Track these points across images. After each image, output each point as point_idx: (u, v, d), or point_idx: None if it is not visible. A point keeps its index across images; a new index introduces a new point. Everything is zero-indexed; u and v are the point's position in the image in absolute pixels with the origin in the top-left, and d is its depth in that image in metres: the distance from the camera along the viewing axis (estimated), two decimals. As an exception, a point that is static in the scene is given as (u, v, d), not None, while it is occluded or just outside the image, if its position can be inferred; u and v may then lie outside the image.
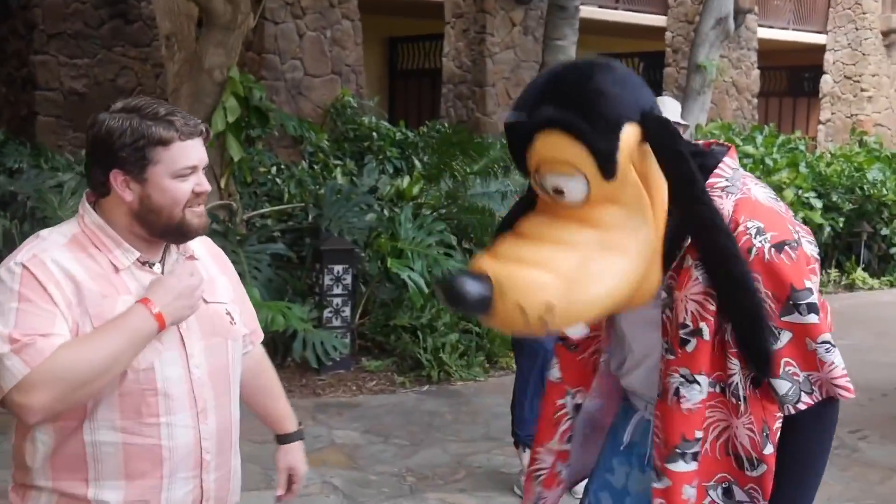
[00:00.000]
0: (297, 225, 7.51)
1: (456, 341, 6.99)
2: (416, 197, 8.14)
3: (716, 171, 1.90)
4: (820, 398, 1.84)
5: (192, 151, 1.94)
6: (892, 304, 10.68)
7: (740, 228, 1.82)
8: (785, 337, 1.82)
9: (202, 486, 2.02)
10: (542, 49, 9.45)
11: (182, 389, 1.96)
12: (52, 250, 1.89)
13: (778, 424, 1.88)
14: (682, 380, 1.87)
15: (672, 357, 1.88)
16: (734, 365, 1.85)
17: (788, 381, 1.82)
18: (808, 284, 1.82)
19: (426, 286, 6.83)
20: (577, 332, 1.88)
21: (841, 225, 11.63)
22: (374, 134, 10.29)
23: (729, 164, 1.92)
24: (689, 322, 1.86)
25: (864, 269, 11.87)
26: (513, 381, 4.87)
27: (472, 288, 1.72)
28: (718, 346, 1.86)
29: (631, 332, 2.06)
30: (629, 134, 1.78)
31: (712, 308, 1.83)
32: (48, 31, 10.81)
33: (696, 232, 1.82)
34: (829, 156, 13.32)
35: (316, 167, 9.23)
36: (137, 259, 1.96)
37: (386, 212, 7.66)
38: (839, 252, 12.08)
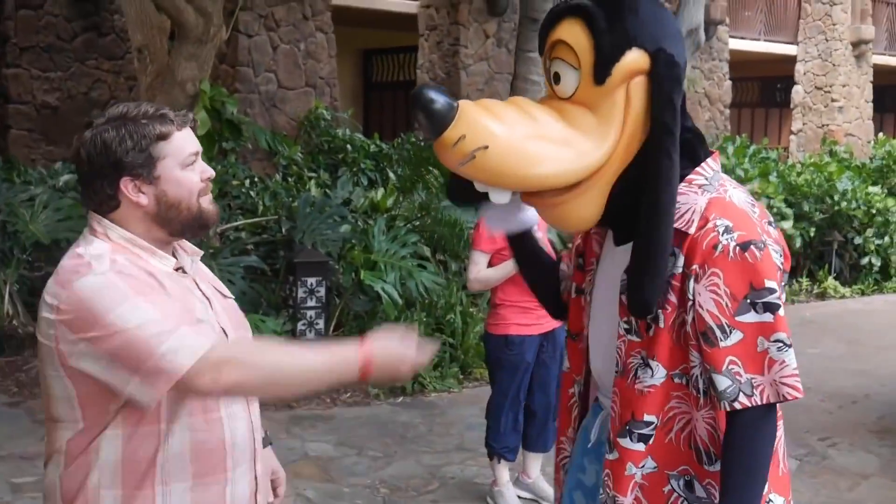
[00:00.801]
0: (270, 237, 7.51)
1: (430, 353, 7.00)
2: (390, 209, 8.16)
3: (697, 168, 1.95)
4: (759, 402, 1.84)
5: (190, 139, 1.97)
6: (863, 313, 10.78)
7: (709, 225, 1.86)
8: (735, 336, 1.84)
9: (256, 477, 2.06)
10: (514, 61, 9.50)
11: None
12: (119, 256, 1.88)
13: None
14: (640, 362, 1.94)
15: (637, 339, 1.95)
16: (695, 357, 1.90)
17: (729, 379, 1.84)
18: (768, 284, 1.84)
19: (400, 298, 6.85)
20: (500, 197, 1.91)
21: (812, 234, 11.74)
22: (349, 146, 10.30)
23: (711, 165, 1.98)
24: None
25: (835, 278, 11.97)
26: (487, 392, 4.88)
27: (442, 99, 1.81)
28: (682, 340, 1.92)
29: (597, 310, 2.12)
30: (637, 58, 1.86)
31: (672, 298, 1.90)
32: (20, 44, 10.78)
33: (649, 183, 1.87)
34: (799, 166, 13.44)
35: (290, 180, 9.24)
36: (173, 266, 1.98)
37: (360, 224, 7.68)
38: (810, 261, 12.19)
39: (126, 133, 1.89)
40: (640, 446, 1.95)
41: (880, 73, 20.34)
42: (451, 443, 5.78)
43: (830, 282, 11.81)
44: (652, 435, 1.95)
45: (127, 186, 1.90)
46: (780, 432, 2.01)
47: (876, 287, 12.19)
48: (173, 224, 1.95)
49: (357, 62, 17.44)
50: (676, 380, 1.93)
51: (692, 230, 1.88)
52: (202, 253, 2.15)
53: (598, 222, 1.98)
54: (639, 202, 1.88)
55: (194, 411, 1.91)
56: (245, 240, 7.40)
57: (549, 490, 4.84)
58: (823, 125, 19.46)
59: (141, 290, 1.83)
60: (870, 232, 12.15)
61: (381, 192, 8.49)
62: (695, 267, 1.86)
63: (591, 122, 1.87)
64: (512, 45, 12.60)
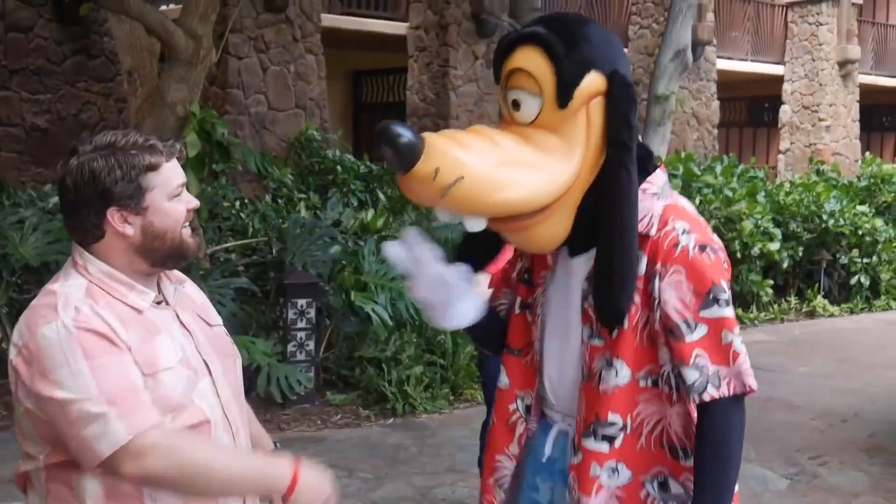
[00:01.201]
0: (260, 259, 7.51)
1: (420, 374, 7.00)
2: (380, 230, 8.17)
3: (649, 178, 2.03)
4: (727, 394, 1.90)
5: (178, 170, 1.96)
6: (853, 331, 10.81)
7: (668, 227, 1.96)
8: (700, 330, 1.91)
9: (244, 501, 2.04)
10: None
11: (218, 415, 1.97)
12: (84, 304, 1.85)
13: None
14: (604, 363, 1.99)
15: (600, 342, 2.00)
16: (664, 355, 1.96)
17: (697, 371, 1.90)
18: (724, 284, 1.94)
19: (390, 319, 6.85)
20: (475, 225, 1.94)
21: (800, 253, 11.79)
22: (339, 167, 10.32)
23: (660, 177, 2.05)
24: None
25: (824, 297, 12.02)
26: (477, 412, 4.89)
27: (407, 134, 1.82)
28: (648, 339, 1.97)
29: (552, 322, 2.14)
30: (595, 81, 1.94)
31: (636, 300, 1.96)
32: (10, 67, 10.78)
33: (612, 197, 1.94)
34: (788, 185, 13.51)
35: (280, 201, 9.24)
36: (153, 300, 1.95)
37: (350, 245, 7.68)
38: (799, 280, 12.24)
39: (115, 163, 1.87)
40: (605, 446, 1.99)
41: (867, 92, 20.49)
42: (441, 464, 5.77)
43: (819, 300, 11.85)
44: (617, 437, 1.98)
45: (114, 217, 1.88)
46: None
47: (865, 305, 12.24)
48: (156, 254, 1.94)
49: (347, 83, 17.50)
50: (642, 382, 1.98)
51: (653, 232, 1.96)
52: (187, 280, 2.14)
53: (565, 243, 2.03)
54: (601, 216, 1.95)
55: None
56: (235, 261, 7.40)
57: None
58: (811, 144, 19.58)
59: (92, 351, 1.80)
60: (856, 252, 12.20)
61: (371, 213, 8.50)
62: (658, 266, 1.94)
63: (556, 144, 1.93)
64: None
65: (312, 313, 6.90)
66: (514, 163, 1.89)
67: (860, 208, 12.73)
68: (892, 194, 14.10)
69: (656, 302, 1.94)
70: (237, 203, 8.54)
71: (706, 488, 1.93)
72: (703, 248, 1.94)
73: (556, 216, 1.95)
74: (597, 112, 1.95)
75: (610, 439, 1.98)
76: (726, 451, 1.92)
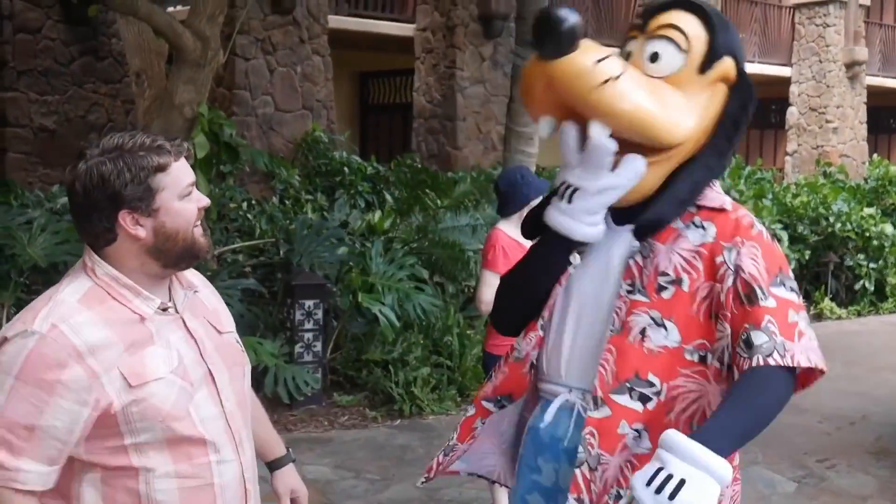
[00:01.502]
0: (268, 260, 7.52)
1: (427, 375, 7.01)
2: (387, 231, 8.17)
3: (716, 180, 2.12)
4: (791, 364, 1.84)
5: (187, 169, 1.94)
6: (860, 334, 10.79)
7: (742, 211, 2.04)
8: (770, 301, 1.91)
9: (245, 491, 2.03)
10: (510, 83, 9.53)
11: (220, 425, 1.95)
12: (72, 316, 1.83)
13: None
14: (650, 321, 1.99)
15: (644, 299, 2.01)
16: (723, 328, 1.94)
17: (766, 335, 1.87)
18: (790, 273, 2.00)
19: (397, 320, 6.85)
20: (600, 133, 1.96)
21: (807, 256, 11.77)
22: (346, 168, 10.33)
23: (718, 183, 2.15)
24: (670, 271, 2.01)
25: (831, 299, 11.99)
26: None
27: (572, 18, 1.91)
28: (705, 312, 1.98)
29: (580, 292, 2.13)
30: (729, 67, 2.07)
31: (698, 265, 1.99)
32: (18, 68, 10.80)
33: (692, 166, 2.04)
34: (794, 187, 13.48)
35: (287, 202, 9.25)
36: (159, 306, 1.93)
37: (357, 246, 7.68)
38: (807, 282, 12.21)
39: (124, 165, 1.85)
40: (639, 405, 1.97)
41: (874, 94, 20.43)
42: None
43: (826, 303, 11.82)
44: (652, 399, 1.96)
45: (125, 219, 1.87)
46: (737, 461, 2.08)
47: (872, 308, 12.21)
48: (168, 255, 1.92)
49: (354, 85, 17.52)
50: (689, 356, 1.97)
51: (728, 207, 2.04)
52: (203, 286, 2.13)
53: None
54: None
55: (179, 458, 1.89)
56: (243, 262, 7.41)
57: None
58: (818, 146, 19.54)
59: (27, 374, 1.78)
60: (863, 255, 12.18)
61: (378, 214, 8.50)
62: (737, 238, 1.97)
63: (683, 102, 2.00)
64: (507, 68, 12.66)
65: (320, 314, 6.91)
66: (655, 96, 1.96)
67: (867, 211, 12.70)
68: (900, 197, 14.07)
69: (730, 272, 1.94)
70: (244, 204, 8.55)
71: (724, 423, 1.81)
72: (772, 238, 2.03)
73: (660, 166, 2.01)
74: (718, 96, 2.06)
75: (644, 399, 1.97)
76: (760, 412, 1.84)
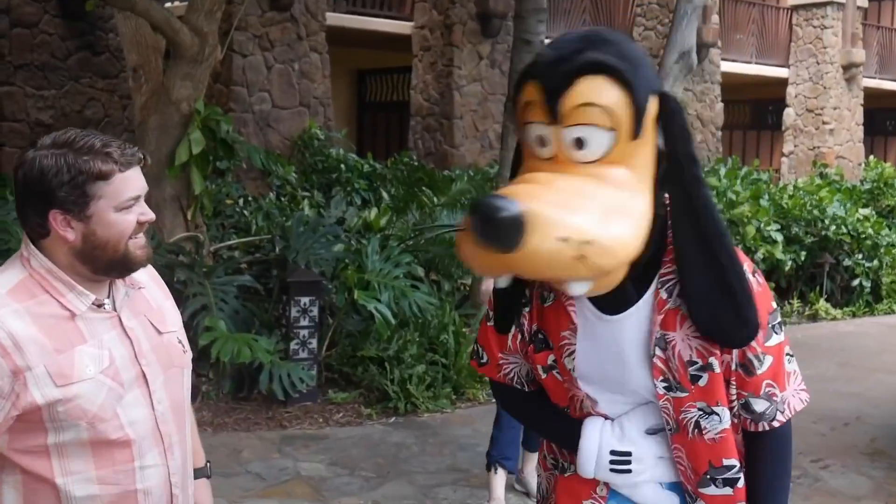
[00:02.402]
0: (264, 257, 7.51)
1: (423, 373, 7.00)
2: (383, 229, 8.18)
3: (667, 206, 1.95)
4: (790, 416, 1.94)
5: (134, 181, 1.85)
6: (855, 334, 10.81)
7: None
8: (767, 361, 1.90)
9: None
10: (507, 82, 9.54)
11: (148, 428, 1.91)
12: (2, 304, 1.79)
13: None
14: (700, 413, 1.93)
15: (684, 394, 1.92)
16: (733, 391, 1.94)
17: (767, 401, 1.91)
18: (774, 305, 1.94)
19: (393, 318, 6.85)
20: (579, 289, 1.77)
21: (803, 257, 11.78)
22: (342, 166, 10.33)
23: None
24: (696, 359, 1.89)
25: (826, 300, 12.01)
26: (479, 412, 4.92)
27: (508, 206, 1.61)
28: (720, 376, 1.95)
29: (599, 384, 2.00)
30: (653, 103, 1.81)
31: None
32: (15, 62, 10.78)
33: (690, 213, 1.83)
34: (791, 188, 13.50)
35: (283, 199, 9.25)
36: (92, 303, 1.88)
37: (353, 243, 7.68)
38: (802, 283, 12.23)
39: (64, 164, 1.78)
40: (728, 490, 1.97)
41: (871, 96, 20.47)
42: (443, 463, 5.77)
43: (822, 304, 11.84)
44: (739, 478, 1.97)
45: (56, 219, 1.81)
46: None
47: (867, 309, 12.23)
48: (97, 263, 1.85)
49: (351, 82, 17.51)
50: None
51: None
52: (150, 283, 2.07)
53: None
54: (686, 241, 1.84)
55: (101, 463, 1.86)
56: (238, 259, 7.40)
57: (534, 485, 4.96)
58: (814, 147, 19.57)
59: None
60: (858, 256, 12.21)
61: (374, 211, 8.51)
62: None
63: (628, 178, 1.78)
64: (505, 67, 12.67)
65: (315, 311, 6.90)
66: (613, 211, 1.72)
67: (863, 212, 12.72)
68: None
69: None
70: (241, 200, 8.56)
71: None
72: (754, 275, 1.91)
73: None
74: (653, 135, 1.82)
75: (731, 482, 1.97)
76: (787, 469, 2.01)
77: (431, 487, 5.35)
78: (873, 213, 13.13)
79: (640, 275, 1.85)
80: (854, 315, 12.00)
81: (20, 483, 1.84)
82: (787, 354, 1.95)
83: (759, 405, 1.92)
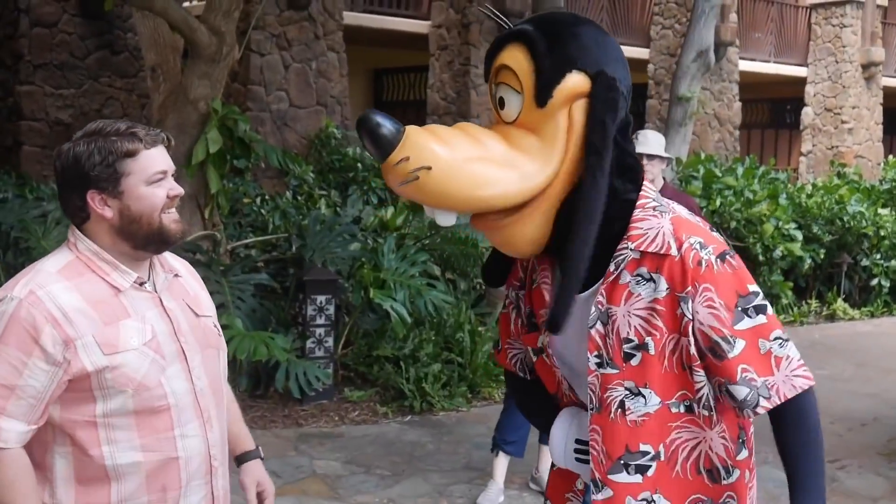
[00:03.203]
0: (280, 255, 7.54)
1: (438, 371, 7.02)
2: (399, 227, 8.19)
3: (642, 192, 1.98)
4: (779, 401, 1.87)
5: (159, 158, 2.03)
6: (872, 335, 10.76)
7: (685, 245, 1.89)
8: (739, 345, 1.86)
9: (213, 492, 2.14)
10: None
11: (188, 400, 2.06)
12: (49, 284, 1.96)
13: (753, 429, 2.01)
14: (626, 392, 1.93)
15: (614, 371, 1.93)
16: (700, 378, 1.91)
17: (746, 387, 1.86)
18: (751, 288, 1.90)
19: (409, 316, 6.87)
20: (446, 220, 1.93)
21: (822, 256, 11.73)
22: (359, 165, 10.34)
23: (648, 188, 2.01)
24: (633, 336, 1.92)
25: (844, 300, 11.95)
26: (495, 411, 4.97)
27: (388, 123, 1.84)
28: (677, 365, 1.92)
29: (569, 357, 2.09)
30: (577, 81, 1.90)
31: (658, 324, 1.90)
32: (34, 62, 10.86)
33: (573, 203, 1.91)
34: (809, 188, 13.44)
35: (300, 198, 9.27)
36: (135, 281, 2.04)
37: (370, 242, 7.70)
38: (820, 283, 12.18)
39: (95, 148, 1.98)
40: (638, 478, 1.94)
41: (891, 95, 20.34)
42: (458, 462, 5.78)
43: (840, 304, 11.79)
44: (650, 465, 1.93)
45: (94, 199, 1.99)
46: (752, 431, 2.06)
47: (885, 309, 12.18)
48: (136, 238, 2.02)
49: (368, 81, 17.55)
50: (675, 409, 1.93)
51: (674, 252, 1.89)
52: (188, 273, 2.25)
53: (547, 249, 1.98)
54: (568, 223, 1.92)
55: (145, 432, 2.00)
56: (255, 257, 7.43)
57: None
58: (833, 147, 19.47)
59: (7, 338, 1.92)
60: (877, 255, 12.15)
61: (390, 210, 8.52)
62: (689, 288, 1.87)
63: (535, 144, 1.90)
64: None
65: (331, 310, 6.93)
66: (488, 160, 1.87)
67: (882, 212, 12.66)
68: (915, 198, 14.00)
69: (690, 324, 1.87)
70: (258, 199, 8.59)
71: (808, 483, 1.91)
72: (722, 258, 1.89)
73: (530, 218, 1.92)
74: (580, 115, 1.90)
75: (643, 469, 1.94)
76: (814, 444, 1.92)
77: (447, 486, 5.36)
78: (893, 212, 13.06)
79: (601, 253, 1.92)
80: (872, 315, 11.94)
81: (70, 454, 1.99)
82: (777, 338, 1.89)
83: (739, 392, 1.86)
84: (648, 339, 1.90)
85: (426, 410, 6.78)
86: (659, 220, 1.93)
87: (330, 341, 6.97)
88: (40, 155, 10.91)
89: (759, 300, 1.90)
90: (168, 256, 2.21)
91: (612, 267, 1.93)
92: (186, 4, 11.39)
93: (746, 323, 1.87)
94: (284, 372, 6.59)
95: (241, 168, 8.81)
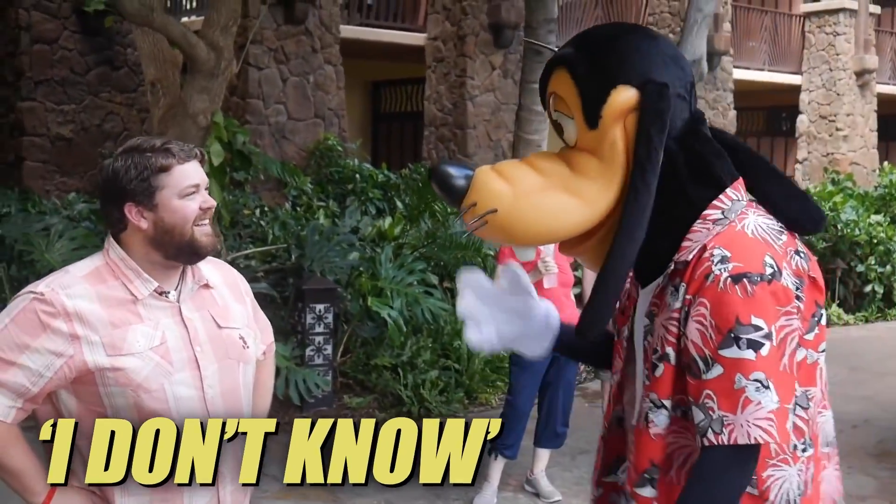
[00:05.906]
0: (280, 265, 7.63)
1: (436, 378, 7.11)
2: (397, 237, 8.28)
3: (714, 202, 1.85)
4: (725, 442, 1.71)
5: (192, 172, 2.14)
6: (866, 340, 10.85)
7: (705, 254, 1.78)
8: (715, 370, 1.73)
9: (219, 497, 2.21)
10: (519, 92, 9.65)
11: (192, 406, 2.14)
12: (72, 285, 2.08)
13: None
14: (651, 405, 1.85)
15: (647, 383, 1.87)
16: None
17: (702, 413, 1.74)
18: (755, 321, 1.71)
19: (406, 324, 6.96)
20: (526, 254, 2.03)
21: (816, 262, 11.81)
22: (357, 176, 10.45)
23: (730, 195, 1.86)
24: (658, 347, 1.85)
25: (838, 306, 12.05)
26: (492, 416, 5.06)
27: (456, 173, 1.90)
28: (679, 369, 1.84)
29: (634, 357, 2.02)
30: (625, 96, 1.83)
31: (675, 331, 1.81)
32: (35, 78, 10.98)
33: (623, 208, 1.86)
34: (804, 194, 13.51)
35: (299, 209, 9.37)
36: (154, 289, 2.14)
37: (368, 251, 7.80)
38: (815, 288, 12.25)
39: (132, 164, 2.10)
40: (653, 492, 1.87)
41: (885, 102, 20.45)
42: (456, 466, 5.85)
43: (834, 309, 11.87)
44: (656, 479, 1.87)
45: (131, 211, 2.11)
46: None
47: (879, 314, 12.28)
48: (168, 248, 2.13)
49: (365, 93, 17.65)
50: (675, 412, 1.84)
51: (690, 258, 1.81)
52: (220, 285, 2.32)
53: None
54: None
55: (154, 500, 2.11)
56: (255, 267, 7.53)
57: (547, 488, 5.26)
58: (828, 154, 19.57)
59: (18, 317, 2.05)
60: (872, 260, 12.24)
61: (388, 220, 8.62)
62: (688, 297, 1.78)
63: (596, 166, 1.86)
64: (517, 77, 12.78)
65: (330, 318, 7.02)
66: (550, 188, 1.86)
67: (875, 218, 12.75)
68: (909, 204, 14.10)
69: (683, 335, 1.80)
70: (257, 211, 8.68)
71: None
72: (737, 279, 1.72)
73: (608, 238, 1.87)
74: (633, 128, 1.84)
75: (654, 483, 1.86)
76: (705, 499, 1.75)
77: (443, 491, 5.44)
78: (886, 218, 13.16)
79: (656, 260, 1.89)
80: (866, 320, 12.03)
81: (87, 447, 2.08)
82: (756, 381, 1.70)
83: (697, 415, 1.75)
84: (669, 349, 1.83)
85: (424, 416, 6.86)
86: (708, 233, 1.82)
87: (329, 349, 7.06)
88: (42, 170, 11.04)
89: (759, 336, 1.71)
90: (206, 267, 2.28)
91: (660, 279, 1.89)
92: (185, 20, 11.52)
93: (732, 352, 1.71)
94: (284, 379, 6.68)
95: (240, 180, 8.93)
